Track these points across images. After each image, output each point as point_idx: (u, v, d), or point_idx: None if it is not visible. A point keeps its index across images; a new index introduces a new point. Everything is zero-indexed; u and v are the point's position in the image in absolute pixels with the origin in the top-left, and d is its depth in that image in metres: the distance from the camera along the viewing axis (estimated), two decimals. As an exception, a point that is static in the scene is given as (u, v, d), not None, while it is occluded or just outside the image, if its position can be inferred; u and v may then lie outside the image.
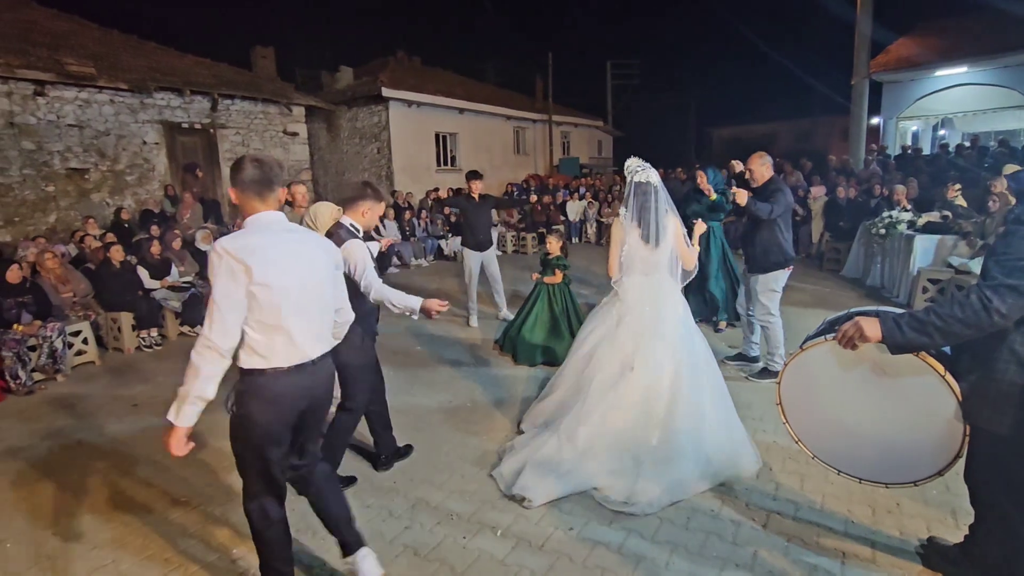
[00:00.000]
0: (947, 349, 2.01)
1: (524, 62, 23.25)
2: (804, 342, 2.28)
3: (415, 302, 2.83)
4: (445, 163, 16.29)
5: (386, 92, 13.95)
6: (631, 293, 3.26)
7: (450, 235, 11.43)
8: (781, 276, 4.33)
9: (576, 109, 22.82)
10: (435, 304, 2.81)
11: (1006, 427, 1.77)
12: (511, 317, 5.88)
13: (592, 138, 24.07)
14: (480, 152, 17.27)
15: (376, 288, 2.80)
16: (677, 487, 2.85)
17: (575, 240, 12.91)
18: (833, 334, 2.05)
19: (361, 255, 2.77)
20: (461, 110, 16.33)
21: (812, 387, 2.31)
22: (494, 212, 12.11)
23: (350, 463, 3.30)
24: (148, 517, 2.92)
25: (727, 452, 3.03)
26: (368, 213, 2.90)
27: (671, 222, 3.24)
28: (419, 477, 3.20)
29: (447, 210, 11.49)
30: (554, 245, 5.15)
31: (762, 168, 4.36)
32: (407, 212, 11.48)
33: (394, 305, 2.82)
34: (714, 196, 5.25)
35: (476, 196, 6.14)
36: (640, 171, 3.24)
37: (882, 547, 2.50)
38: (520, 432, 3.59)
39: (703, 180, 5.25)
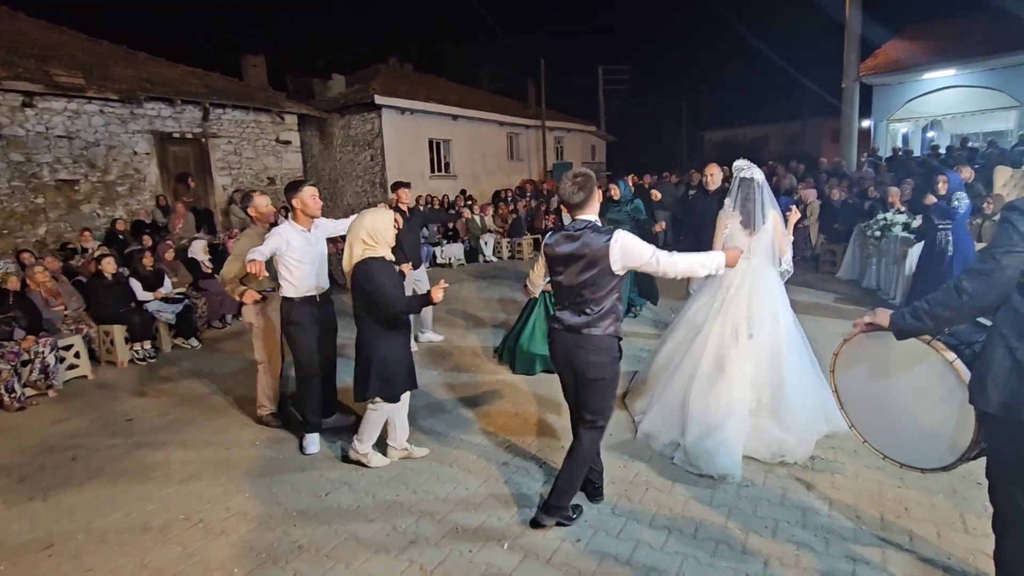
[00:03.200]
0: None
1: (517, 68, 23.19)
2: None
3: (721, 258, 2.60)
4: (439, 170, 16.26)
5: (379, 99, 13.90)
6: (730, 274, 3.57)
7: (445, 243, 11.44)
8: None
9: (569, 114, 22.84)
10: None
11: (993, 406, 1.81)
12: (435, 339, 5.91)
13: (585, 143, 24.11)
14: (474, 158, 17.25)
15: (672, 263, 2.49)
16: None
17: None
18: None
19: (640, 242, 2.51)
20: (454, 116, 16.31)
21: (861, 372, 2.46)
22: (482, 219, 12.00)
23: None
24: (145, 536, 2.85)
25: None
26: (596, 202, 2.59)
27: (770, 215, 3.62)
28: (423, 490, 3.16)
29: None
30: None
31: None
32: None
33: (706, 266, 2.58)
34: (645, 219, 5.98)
35: (404, 208, 5.33)
36: (746, 169, 3.66)
37: (892, 551, 2.48)
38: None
39: (616, 192, 5.95)
